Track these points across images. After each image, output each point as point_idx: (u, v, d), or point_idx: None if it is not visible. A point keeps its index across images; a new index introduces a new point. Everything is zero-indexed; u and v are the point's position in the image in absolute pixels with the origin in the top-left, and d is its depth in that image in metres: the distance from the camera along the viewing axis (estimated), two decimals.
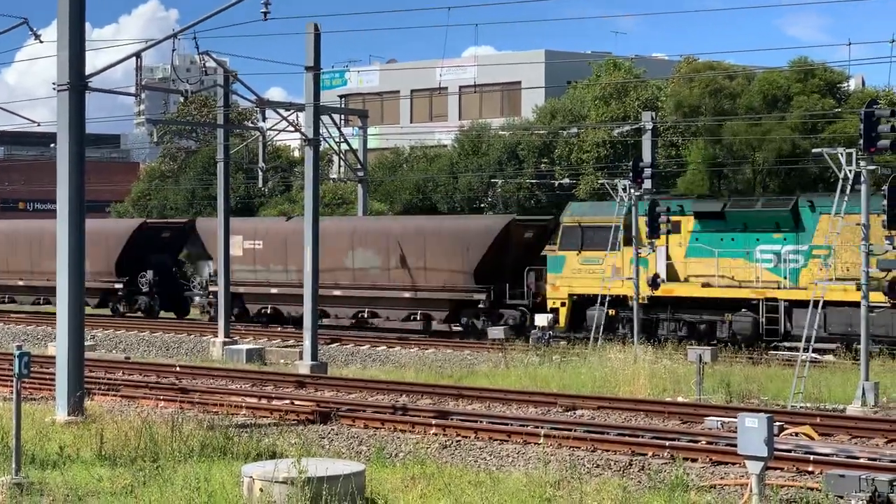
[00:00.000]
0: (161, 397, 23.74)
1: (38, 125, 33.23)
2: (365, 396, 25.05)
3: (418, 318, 39.13)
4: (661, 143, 50.81)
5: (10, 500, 14.05)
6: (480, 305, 38.00)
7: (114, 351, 36.33)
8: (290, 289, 39.39)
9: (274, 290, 41.87)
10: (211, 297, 42.77)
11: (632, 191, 33.32)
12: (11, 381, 23.94)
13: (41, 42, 24.85)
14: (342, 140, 44.16)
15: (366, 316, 40.25)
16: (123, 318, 45.34)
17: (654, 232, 32.42)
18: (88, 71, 21.28)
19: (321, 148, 34.07)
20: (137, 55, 22.58)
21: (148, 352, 37.19)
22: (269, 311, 42.63)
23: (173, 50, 23.86)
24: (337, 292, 39.66)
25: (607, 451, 18.27)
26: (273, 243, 42.07)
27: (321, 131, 33.28)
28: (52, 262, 21.68)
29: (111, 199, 77.68)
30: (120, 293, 46.72)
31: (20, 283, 49.07)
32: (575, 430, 19.63)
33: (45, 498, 14.23)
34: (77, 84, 20.78)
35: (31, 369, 15.62)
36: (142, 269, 46.25)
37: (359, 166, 44.84)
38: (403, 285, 39.05)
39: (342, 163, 47.34)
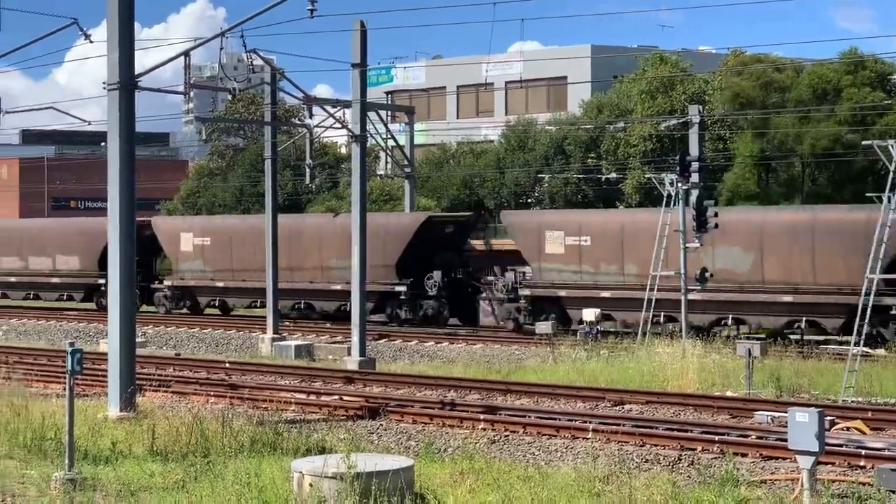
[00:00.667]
0: (211, 393, 23.93)
1: (89, 124, 33.57)
2: (413, 392, 25.12)
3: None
4: (709, 137, 50.52)
5: (63, 496, 14.21)
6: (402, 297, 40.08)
7: (164, 347, 36.64)
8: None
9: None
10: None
11: (679, 185, 33.14)
12: (65, 377, 24.29)
13: (91, 42, 25.05)
14: (389, 136, 44.28)
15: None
16: (170, 315, 45.70)
17: (701, 226, 32.23)
18: (138, 70, 21.49)
19: (368, 144, 34.18)
20: (186, 54, 22.77)
21: (197, 348, 37.48)
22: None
23: (221, 48, 24.05)
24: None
25: (656, 445, 18.23)
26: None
27: (368, 128, 33.38)
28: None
29: (161, 196, 78.33)
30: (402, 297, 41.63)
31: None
32: (623, 425, 19.61)
33: (98, 493, 14.39)
34: (127, 83, 20.98)
35: (84, 366, 15.79)
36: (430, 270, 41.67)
37: (406, 162, 44.94)
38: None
39: (389, 159, 47.46)
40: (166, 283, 46.71)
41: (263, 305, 39.90)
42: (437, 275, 40.45)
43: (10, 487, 14.94)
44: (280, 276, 37.76)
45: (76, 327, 42.17)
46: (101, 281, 44.49)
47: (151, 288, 47.38)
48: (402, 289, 40.41)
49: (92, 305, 49.12)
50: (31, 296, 50.80)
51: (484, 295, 42.18)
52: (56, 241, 50.14)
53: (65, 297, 50.22)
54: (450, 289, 41.06)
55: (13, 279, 51.03)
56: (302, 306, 43.28)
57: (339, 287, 40.56)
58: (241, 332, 39.37)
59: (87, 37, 25.15)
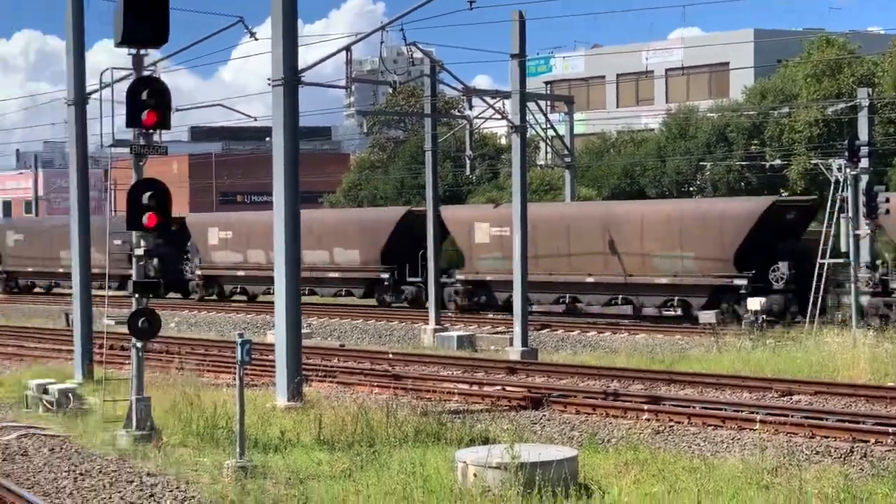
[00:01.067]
0: (375, 384, 24.24)
1: (255, 120, 34.29)
2: (576, 382, 25.03)
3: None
4: (878, 121, 48.97)
5: (235, 483, 14.59)
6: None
7: (328, 339, 37.26)
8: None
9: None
10: None
11: (847, 170, 32.25)
12: (235, 367, 24.91)
13: (256, 39, 25.64)
14: (548, 126, 44.13)
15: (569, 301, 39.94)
16: (337, 307, 46.41)
17: (871, 212, 31.34)
18: (301, 66, 21.89)
19: (528, 135, 34.12)
20: (347, 49, 23.12)
21: (361, 339, 37.98)
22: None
23: (381, 42, 24.38)
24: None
25: (826, 437, 17.79)
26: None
27: (528, 118, 33.33)
28: None
29: (324, 189, 79.62)
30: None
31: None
32: (792, 416, 19.19)
33: (269, 481, 14.73)
34: (291, 79, 21.38)
35: (252, 356, 16.15)
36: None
37: (566, 152, 44.75)
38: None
39: (549, 149, 47.32)
40: (458, 276, 43.42)
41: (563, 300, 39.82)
42: (783, 266, 35.90)
43: (184, 474, 15.40)
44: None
45: (244, 319, 43.17)
46: (385, 275, 44.96)
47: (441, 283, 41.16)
48: (743, 282, 36.06)
49: (372, 301, 47.20)
50: (306, 291, 44.98)
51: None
52: (335, 234, 47.79)
53: (343, 293, 48.17)
54: (797, 281, 35.84)
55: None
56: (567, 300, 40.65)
57: (664, 281, 37.58)
58: (404, 324, 39.78)
59: (252, 34, 25.75)
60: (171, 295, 52.40)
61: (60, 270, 54.97)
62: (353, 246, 46.53)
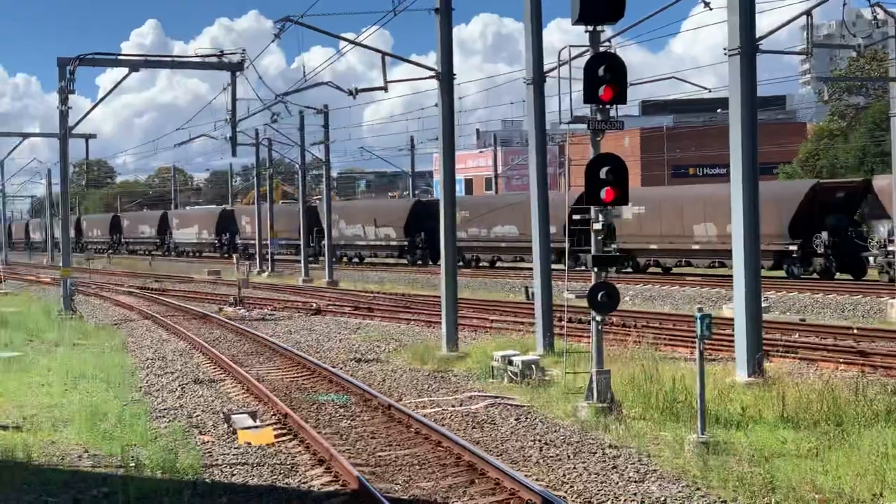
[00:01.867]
0: (840, 360, 23.27)
1: (709, 91, 33.86)
2: None
3: None
4: None
5: (696, 458, 14.46)
6: None
7: (787, 313, 36.22)
8: None
9: None
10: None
11: None
12: (692, 341, 24.72)
13: (710, 9, 25.26)
14: None
15: None
16: (796, 280, 45.15)
17: None
18: (758, 34, 21.31)
19: None
20: (808, 13, 22.25)
21: (822, 314, 36.65)
22: None
23: (844, 4, 23.25)
24: None
25: None
26: None
27: None
28: None
29: (779, 160, 77.58)
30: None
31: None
32: None
33: (731, 457, 14.48)
34: (748, 48, 20.87)
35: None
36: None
37: None
38: None
39: None
40: None
41: None
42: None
43: (645, 447, 15.46)
44: None
45: (698, 292, 42.85)
46: (793, 247, 46.01)
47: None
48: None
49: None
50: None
51: None
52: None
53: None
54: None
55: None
56: None
57: None
58: (868, 298, 37.99)
59: (705, 4, 25.39)
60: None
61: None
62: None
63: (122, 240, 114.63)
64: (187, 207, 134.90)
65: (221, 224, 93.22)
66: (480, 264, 64.12)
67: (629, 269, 52.34)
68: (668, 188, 66.25)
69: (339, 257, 71.55)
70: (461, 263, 63.21)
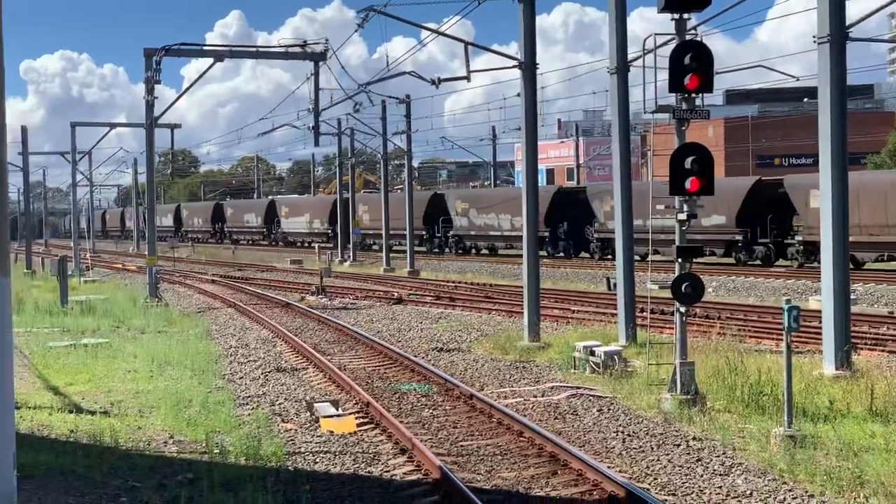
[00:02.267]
0: None
1: (797, 80, 33.34)
2: None
3: None
4: None
5: (783, 452, 14.25)
6: None
7: (875, 305, 35.60)
8: None
9: None
10: None
11: None
12: (777, 334, 24.39)
13: None
14: None
15: None
16: (881, 273, 44.37)
17: None
18: (848, 21, 20.91)
19: None
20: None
21: None
22: None
23: None
24: None
25: None
26: None
27: None
28: None
29: (865, 150, 76.27)
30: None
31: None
32: None
33: (819, 451, 14.25)
34: (837, 35, 20.49)
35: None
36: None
37: None
38: None
39: None
40: None
41: None
42: None
43: (730, 440, 15.27)
44: None
45: (783, 284, 42.29)
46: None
47: None
48: None
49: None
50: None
51: None
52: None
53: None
54: None
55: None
56: None
57: None
58: None
59: None
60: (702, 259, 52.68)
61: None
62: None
63: (226, 229, 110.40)
64: (296, 195, 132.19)
65: (336, 213, 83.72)
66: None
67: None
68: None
69: (467, 248, 70.06)
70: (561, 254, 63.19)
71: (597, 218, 59.88)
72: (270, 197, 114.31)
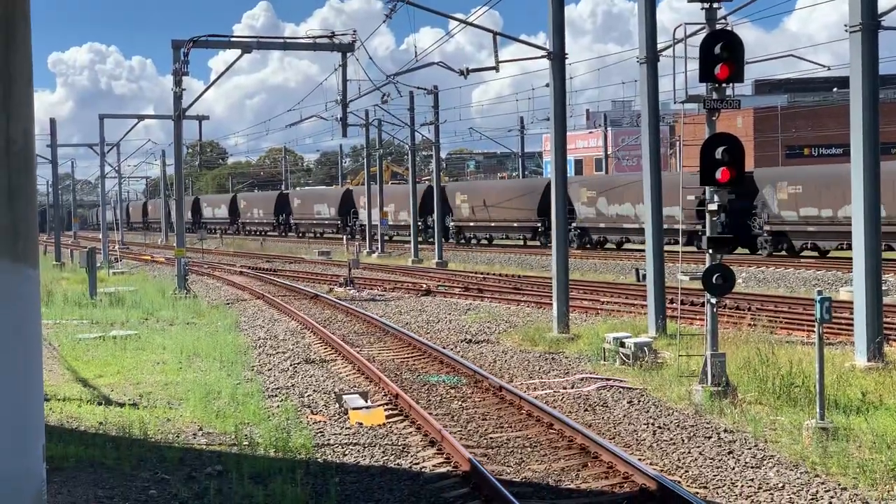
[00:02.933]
0: None
1: (829, 69, 33.11)
2: None
3: None
4: None
5: (816, 444, 14.12)
6: None
7: None
8: None
9: None
10: None
11: None
12: (808, 325, 24.20)
13: None
14: None
15: None
16: None
17: None
18: (880, 9, 20.70)
19: None
20: None
21: None
22: None
23: None
24: None
25: None
26: None
27: None
28: None
29: None
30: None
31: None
32: None
33: (852, 444, 14.11)
34: (869, 23, 20.28)
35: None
36: None
37: None
38: None
39: None
40: None
41: None
42: None
43: (761, 432, 15.15)
44: None
45: (814, 275, 42.00)
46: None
47: None
48: None
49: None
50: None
51: None
52: None
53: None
54: None
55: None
56: None
57: None
58: None
59: None
60: (739, 251, 52.44)
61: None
62: None
63: (292, 221, 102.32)
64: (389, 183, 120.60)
65: (426, 203, 73.33)
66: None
67: (783, 253, 51.69)
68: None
69: (594, 242, 64.50)
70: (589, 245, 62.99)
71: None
72: (345, 187, 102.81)
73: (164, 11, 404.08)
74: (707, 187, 17.66)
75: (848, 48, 20.65)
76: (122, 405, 18.13)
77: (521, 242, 71.06)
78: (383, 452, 14.82)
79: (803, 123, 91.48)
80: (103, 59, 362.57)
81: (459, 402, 18.35)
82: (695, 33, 18.94)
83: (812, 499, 12.19)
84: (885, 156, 62.06)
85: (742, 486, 12.76)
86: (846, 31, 20.61)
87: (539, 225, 65.77)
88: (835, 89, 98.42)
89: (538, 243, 66.33)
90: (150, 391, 19.65)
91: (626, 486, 12.81)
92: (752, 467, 13.53)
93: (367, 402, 18.09)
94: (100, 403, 18.31)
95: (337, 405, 18.14)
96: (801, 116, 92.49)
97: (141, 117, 70.09)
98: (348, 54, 38.31)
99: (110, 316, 32.41)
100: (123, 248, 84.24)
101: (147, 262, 67.57)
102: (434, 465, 14.06)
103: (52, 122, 69.81)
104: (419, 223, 68.89)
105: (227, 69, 41.87)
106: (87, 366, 22.82)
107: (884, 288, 23.00)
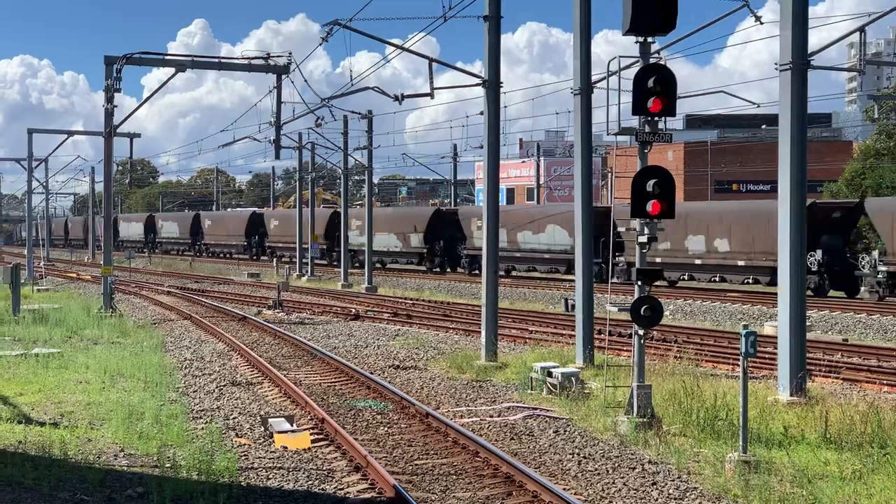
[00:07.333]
0: (885, 382, 22.93)
1: (758, 106, 33.61)
2: None
3: None
4: None
5: (738, 477, 14.24)
6: None
7: (829, 332, 35.83)
8: None
9: None
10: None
11: None
12: (733, 358, 24.44)
13: (761, 23, 25.02)
14: None
15: None
16: (840, 300, 44.74)
17: None
18: (810, 49, 21.04)
19: None
20: (861, 30, 21.96)
21: (865, 335, 36.25)
22: None
23: None
24: None
25: None
26: None
27: None
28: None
29: (822, 178, 76.91)
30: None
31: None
32: None
33: (773, 477, 14.24)
34: (799, 63, 20.62)
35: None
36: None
37: None
38: None
39: None
40: None
41: None
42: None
43: (685, 464, 15.25)
44: None
45: (739, 308, 42.50)
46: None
47: None
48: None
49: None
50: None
51: None
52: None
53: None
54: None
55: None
56: None
57: None
58: None
59: (757, 18, 25.14)
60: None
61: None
62: None
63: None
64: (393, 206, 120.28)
65: (435, 229, 71.89)
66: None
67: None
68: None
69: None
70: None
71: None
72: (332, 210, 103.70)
73: (98, 26, 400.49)
74: (637, 219, 17.79)
75: (778, 86, 20.98)
76: (42, 424, 17.83)
77: (412, 266, 73.46)
78: (308, 477, 14.70)
79: (732, 159, 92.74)
80: (35, 73, 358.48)
81: (386, 428, 18.28)
82: (629, 66, 19.15)
83: None
84: (812, 193, 63.43)
85: None
86: (776, 69, 20.93)
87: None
88: (763, 126, 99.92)
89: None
90: (71, 410, 19.34)
91: None
92: (675, 499, 13.60)
93: (292, 425, 17.95)
94: (20, 422, 17.99)
95: (262, 428, 17.99)
96: (731, 152, 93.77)
97: (71, 133, 69.30)
98: (283, 76, 38.18)
99: (33, 333, 31.90)
100: (49, 264, 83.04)
101: (73, 280, 66.66)
102: (359, 491, 13.97)
103: None
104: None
105: (161, 87, 41.57)
106: (7, 383, 22.42)
107: (807, 324, 23.33)
